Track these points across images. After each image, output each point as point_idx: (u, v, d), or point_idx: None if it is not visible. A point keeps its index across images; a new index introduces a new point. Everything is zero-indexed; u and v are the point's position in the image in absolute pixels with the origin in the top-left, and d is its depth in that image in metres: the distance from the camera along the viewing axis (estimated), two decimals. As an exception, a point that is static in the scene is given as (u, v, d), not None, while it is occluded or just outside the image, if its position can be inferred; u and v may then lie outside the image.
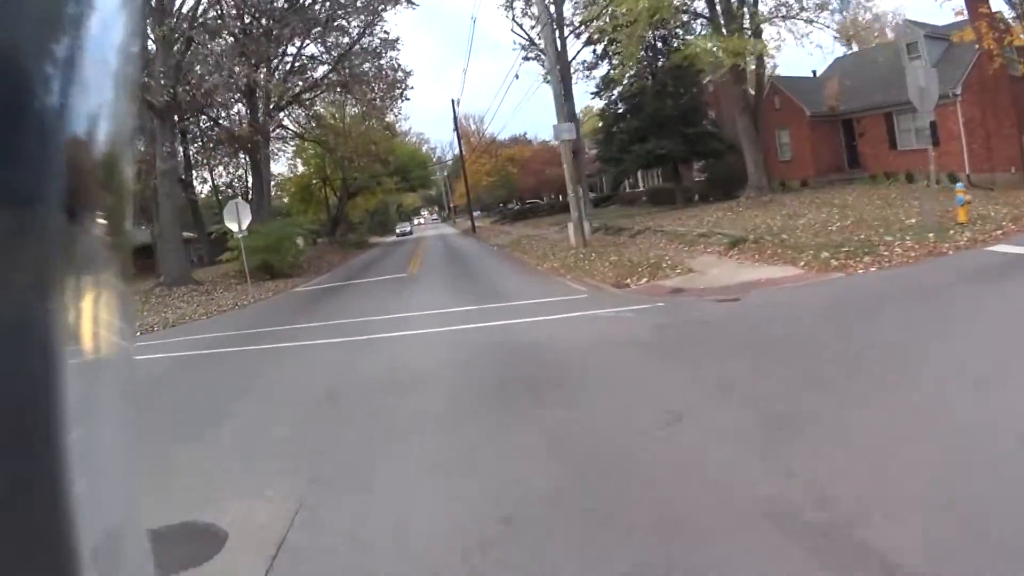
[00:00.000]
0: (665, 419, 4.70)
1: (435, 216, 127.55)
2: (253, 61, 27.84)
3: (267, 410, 6.24)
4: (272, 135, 42.42)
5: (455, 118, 44.33)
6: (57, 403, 0.37)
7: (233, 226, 16.83)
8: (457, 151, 64.92)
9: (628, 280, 12.17)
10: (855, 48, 31.19)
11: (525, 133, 68.31)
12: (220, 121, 35.20)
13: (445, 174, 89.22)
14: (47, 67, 0.39)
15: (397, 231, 61.60)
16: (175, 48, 22.39)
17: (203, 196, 41.65)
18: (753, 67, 26.01)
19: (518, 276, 15.46)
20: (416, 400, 5.85)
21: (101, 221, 0.44)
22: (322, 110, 41.56)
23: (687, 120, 29.05)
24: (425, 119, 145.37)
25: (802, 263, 11.22)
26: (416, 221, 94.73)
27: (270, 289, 19.39)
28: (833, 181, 28.75)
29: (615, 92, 30.79)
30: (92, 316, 0.43)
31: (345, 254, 36.79)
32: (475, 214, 73.75)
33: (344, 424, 5.47)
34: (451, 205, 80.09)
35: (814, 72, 34.38)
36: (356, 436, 5.15)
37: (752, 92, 26.55)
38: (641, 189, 43.50)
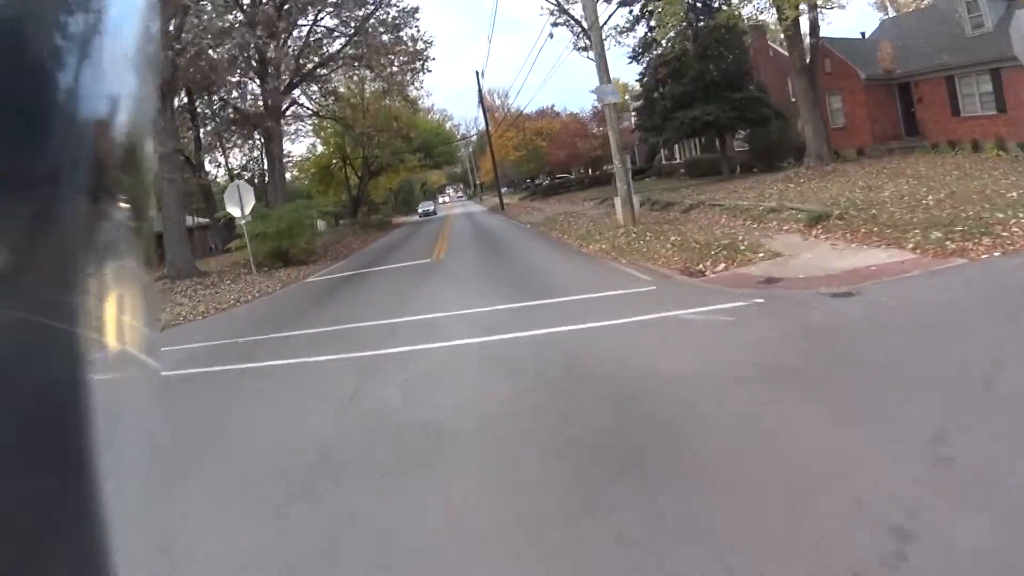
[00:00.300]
0: (891, 546, 2.55)
1: (460, 194, 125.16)
2: (261, 33, 25.85)
3: (210, 511, 3.79)
4: (287, 113, 40.66)
5: (479, 90, 41.96)
6: (83, 392, 0.37)
7: (235, 211, 14.91)
8: (481, 126, 62.79)
9: (701, 266, 9.92)
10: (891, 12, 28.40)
11: (552, 106, 65.75)
12: (231, 100, 33.40)
13: (470, 150, 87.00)
14: (65, 50, 0.38)
15: (419, 211, 55.90)
16: (170, 14, 20.35)
17: (218, 180, 39.98)
18: (807, 19, 23.19)
19: (563, 261, 13.22)
20: (444, 485, 3.72)
21: (124, 206, 0.44)
22: (341, 87, 39.48)
23: (733, 85, 26.35)
24: (448, 96, 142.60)
25: (910, 245, 8.93)
26: (441, 199, 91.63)
27: (280, 280, 17.45)
28: (892, 150, 26.05)
29: (653, 55, 28.10)
30: (116, 302, 0.43)
31: (367, 236, 34.90)
32: (502, 191, 72.13)
33: (324, 553, 3.34)
34: (477, 182, 77.68)
35: (863, 34, 31.38)
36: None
37: (804, 52, 23.75)
38: (678, 161, 40.81)
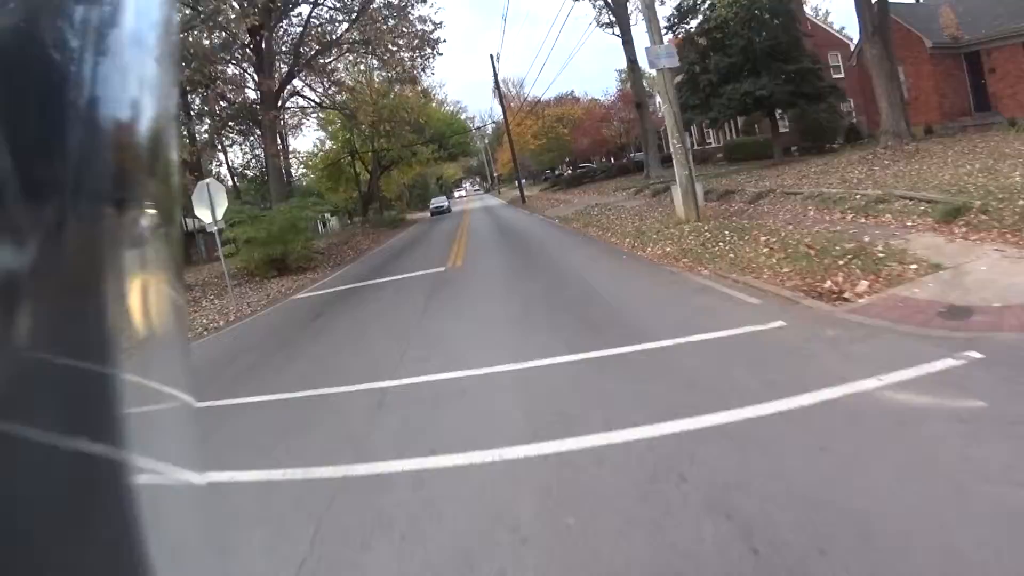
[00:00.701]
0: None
1: (477, 187, 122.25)
2: (256, 13, 23.14)
3: None
4: (286, 105, 37.94)
5: (495, 74, 39.08)
6: (113, 397, 0.37)
7: (204, 215, 12.07)
8: (497, 116, 59.84)
9: (830, 283, 6.89)
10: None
11: (572, 92, 62.37)
12: (227, 93, 30.75)
13: (486, 142, 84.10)
14: (83, 48, 0.38)
15: (431, 207, 47.87)
16: None
17: (220, 179, 37.35)
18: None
19: (620, 272, 10.12)
20: None
21: (150, 211, 0.44)
22: (347, 78, 36.63)
23: (784, 55, 23.00)
24: (461, 89, 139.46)
25: None
26: (457, 193, 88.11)
27: (267, 295, 14.64)
28: (966, 126, 22.76)
29: (692, 25, 24.80)
30: (144, 307, 0.43)
31: (378, 236, 32.11)
32: (520, 182, 69.62)
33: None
34: (494, 174, 75.00)
35: (919, -1, 28.11)
36: None
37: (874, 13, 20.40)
38: (713, 145, 37.48)
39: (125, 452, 0.38)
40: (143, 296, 0.44)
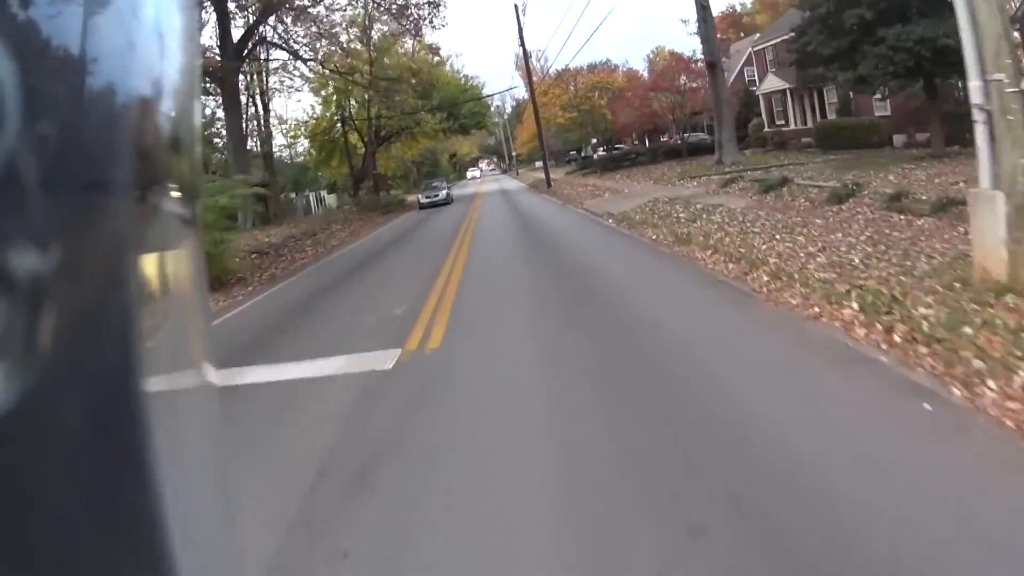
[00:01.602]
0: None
1: (493, 167, 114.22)
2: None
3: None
4: (268, 61, 30.68)
5: (520, 28, 31.12)
6: (137, 392, 0.37)
7: None
8: (518, 95, 52.55)
9: None
10: None
11: (608, 60, 54.21)
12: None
13: (504, 118, 76.62)
14: (100, 28, 0.37)
15: (421, 196, 32.15)
16: None
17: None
18: None
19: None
20: None
21: (174, 195, 0.44)
22: (340, 30, 29.20)
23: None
24: (479, 69, 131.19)
25: None
26: (470, 174, 78.18)
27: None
28: None
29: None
30: (168, 299, 0.43)
31: (362, 224, 24.91)
32: (547, 162, 62.16)
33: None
34: (513, 154, 67.31)
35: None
36: None
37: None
38: (793, 127, 29.71)
39: (148, 443, 0.37)
40: (167, 283, 0.43)
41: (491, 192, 37.02)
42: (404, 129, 34.64)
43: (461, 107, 38.78)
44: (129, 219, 0.38)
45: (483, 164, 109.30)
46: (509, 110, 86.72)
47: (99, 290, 0.36)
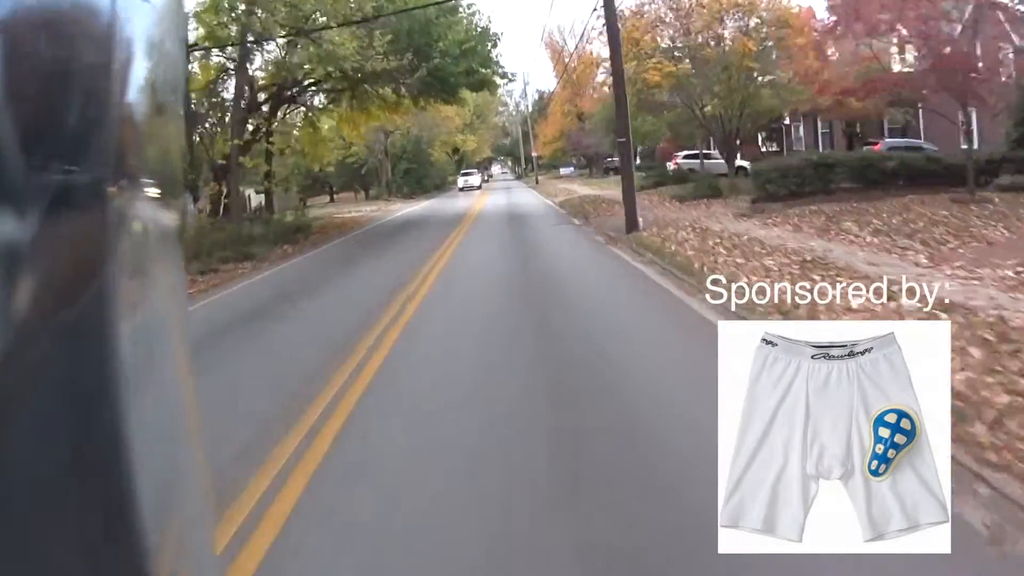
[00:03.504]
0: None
1: (505, 170, 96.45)
2: None
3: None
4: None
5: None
6: (113, 378, 0.37)
7: None
8: (540, 84, 38.89)
9: None
10: None
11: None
12: None
13: (525, 107, 60.38)
14: (83, 17, 0.37)
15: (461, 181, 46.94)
16: None
17: None
18: None
19: None
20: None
21: (150, 185, 0.44)
22: None
23: None
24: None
25: None
26: (463, 182, 46.40)
27: None
28: None
29: None
30: (144, 287, 0.44)
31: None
32: (566, 171, 51.40)
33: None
34: (533, 154, 49.37)
35: None
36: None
37: None
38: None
39: (124, 430, 0.37)
40: (143, 275, 0.43)
41: (495, 213, 21.18)
42: (345, 78, 17.28)
43: (456, 69, 20.62)
44: (108, 209, 0.38)
45: (495, 168, 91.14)
46: (529, 105, 69.80)
47: (77, 280, 0.36)
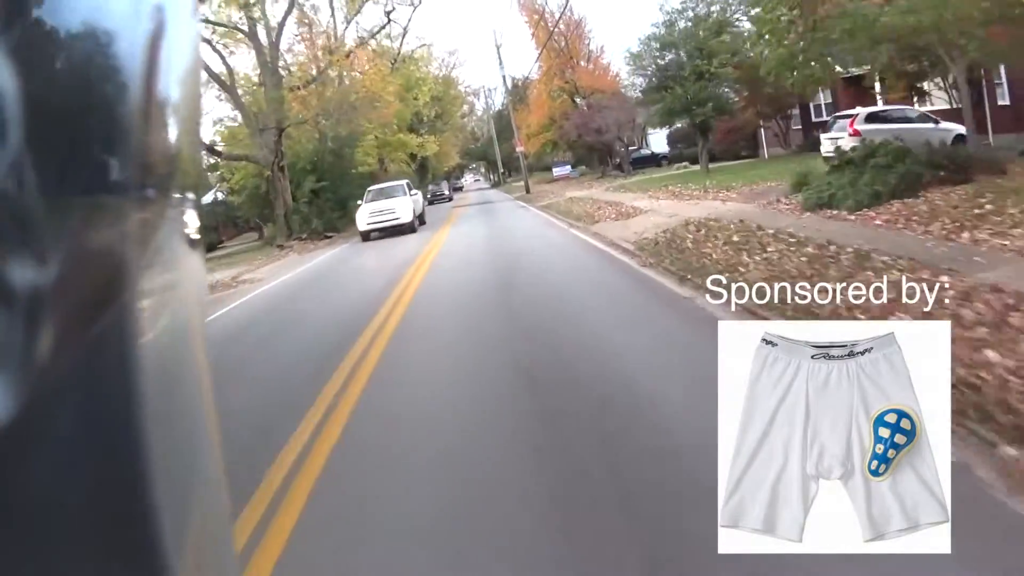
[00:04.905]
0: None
1: (478, 177, 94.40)
2: None
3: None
4: None
5: None
6: (136, 391, 0.38)
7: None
8: (516, 72, 35.47)
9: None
10: None
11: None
12: None
13: (501, 102, 58.25)
14: (103, 33, 0.37)
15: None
16: None
17: None
18: None
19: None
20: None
21: (175, 196, 0.44)
22: None
23: None
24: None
25: None
26: (369, 218, 21.45)
27: None
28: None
29: None
30: (169, 301, 0.44)
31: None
32: (561, 171, 41.54)
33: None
34: (519, 150, 35.93)
35: None
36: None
37: None
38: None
39: (145, 452, 0.38)
40: (170, 286, 0.43)
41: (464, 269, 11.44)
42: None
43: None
44: (131, 223, 0.38)
45: (467, 177, 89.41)
46: (499, 100, 65.49)
47: (100, 296, 0.36)
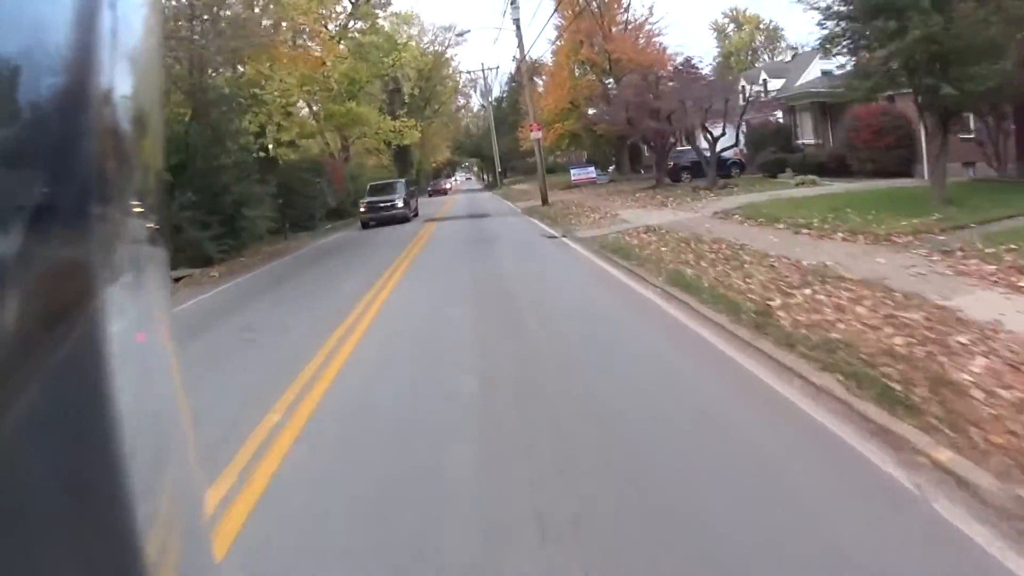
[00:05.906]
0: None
1: (470, 176, 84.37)
2: None
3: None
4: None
5: None
6: (105, 392, 0.38)
7: None
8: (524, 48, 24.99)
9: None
10: None
11: None
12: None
13: (504, 81, 49.10)
14: (55, 42, 0.37)
15: None
16: None
17: None
18: None
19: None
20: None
21: (133, 201, 0.43)
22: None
23: None
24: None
25: None
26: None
27: None
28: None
29: None
30: (133, 303, 0.44)
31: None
32: (581, 174, 32.67)
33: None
34: (534, 136, 21.61)
35: None
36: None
37: None
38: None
39: (119, 450, 0.38)
40: (137, 299, 0.43)
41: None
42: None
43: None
44: (92, 238, 0.38)
45: (458, 176, 79.18)
46: (501, 86, 56.61)
47: (66, 297, 0.36)
